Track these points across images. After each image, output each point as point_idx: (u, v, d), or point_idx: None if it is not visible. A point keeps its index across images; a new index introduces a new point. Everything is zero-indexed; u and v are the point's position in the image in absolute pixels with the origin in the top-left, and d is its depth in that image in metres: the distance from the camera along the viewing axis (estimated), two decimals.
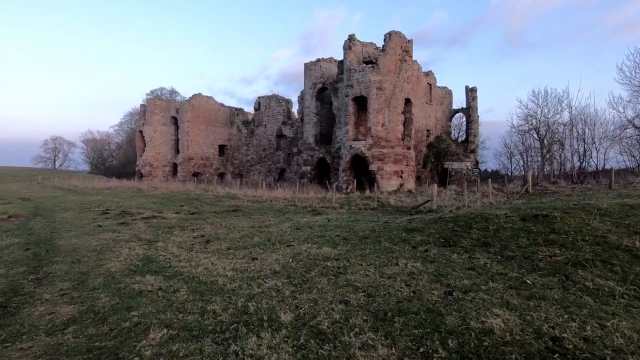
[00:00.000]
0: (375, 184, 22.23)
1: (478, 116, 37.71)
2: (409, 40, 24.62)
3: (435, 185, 13.58)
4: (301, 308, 4.53)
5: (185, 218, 13.04)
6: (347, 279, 5.45)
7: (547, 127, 39.56)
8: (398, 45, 23.83)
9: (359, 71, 24.01)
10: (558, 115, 42.54)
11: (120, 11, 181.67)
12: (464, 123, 52.07)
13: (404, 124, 24.34)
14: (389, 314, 4.18)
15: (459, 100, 51.04)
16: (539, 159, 46.06)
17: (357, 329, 3.86)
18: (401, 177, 23.72)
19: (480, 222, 7.76)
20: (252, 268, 6.46)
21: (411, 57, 24.62)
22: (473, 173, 22.38)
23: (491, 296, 4.56)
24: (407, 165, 24.21)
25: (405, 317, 4.06)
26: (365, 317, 4.14)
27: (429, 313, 4.15)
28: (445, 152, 36.04)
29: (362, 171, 25.22)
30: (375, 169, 23.31)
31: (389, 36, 23.69)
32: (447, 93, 40.91)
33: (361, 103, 25.22)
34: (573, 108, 27.29)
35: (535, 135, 45.55)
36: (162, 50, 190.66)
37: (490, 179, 17.80)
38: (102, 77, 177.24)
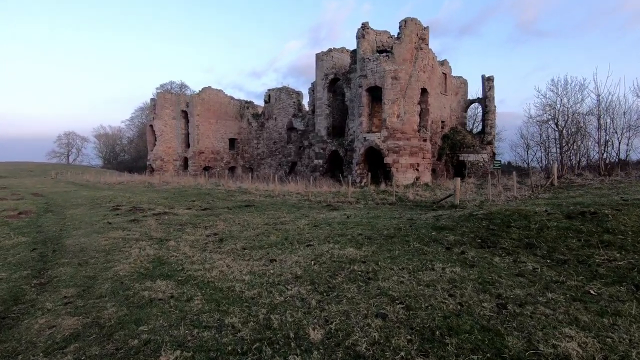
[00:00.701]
0: (393, 178, 21.52)
1: (495, 106, 36.50)
2: (425, 27, 23.62)
3: (459, 179, 12.85)
4: (332, 322, 3.96)
5: (197, 214, 12.58)
6: (380, 287, 4.85)
7: (568, 117, 38.12)
8: (414, 33, 22.87)
9: (373, 60, 23.15)
10: (579, 105, 40.99)
11: (132, 7, 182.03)
12: (479, 114, 50.71)
13: (419, 115, 23.47)
14: (437, 332, 3.57)
15: (471, 91, 49.50)
16: (558, 150, 44.73)
17: (402, 353, 3.27)
18: (417, 170, 22.94)
19: (519, 220, 7.06)
20: (271, 271, 5.91)
21: (427, 44, 23.65)
22: (494, 165, 21.51)
23: (554, 311, 3.91)
24: (423, 158, 23.39)
25: (458, 338, 3.45)
26: (409, 337, 3.54)
27: (485, 332, 3.53)
28: (460, 144, 34.99)
29: (377, 164, 24.50)
30: (390, 161, 22.56)
31: (404, 23, 22.73)
32: (462, 83, 39.69)
33: (375, 94, 24.40)
34: (601, 96, 25.81)
35: (553, 126, 44.18)
36: (173, 45, 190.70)
37: (514, 172, 16.93)
38: (114, 72, 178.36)
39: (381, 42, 26.37)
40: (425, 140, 23.77)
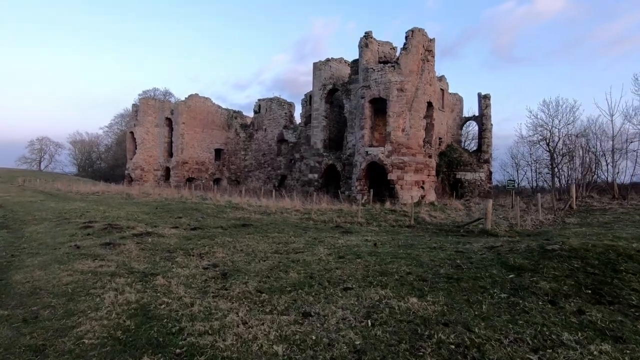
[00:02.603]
0: (398, 196, 19.94)
1: (492, 124, 35.88)
2: (431, 39, 22.60)
3: (490, 202, 11.32)
4: None
5: (186, 236, 10.51)
6: None
7: (560, 138, 38.14)
8: (420, 44, 21.78)
9: (378, 71, 21.84)
10: (570, 126, 41.30)
11: (116, 12, 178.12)
12: (470, 132, 50.48)
13: (425, 130, 22.19)
14: None
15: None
16: (549, 170, 44.68)
17: None
18: (422, 187, 21.49)
19: (624, 261, 5.45)
20: (313, 337, 4.04)
21: (434, 57, 22.60)
22: (508, 185, 20.23)
23: None
24: (428, 175, 22.01)
25: None
26: None
27: None
28: (457, 162, 34.03)
29: (378, 180, 22.95)
30: (394, 178, 21.03)
31: (411, 33, 21.62)
32: (458, 100, 39.14)
33: (377, 106, 23.06)
34: (614, 117, 25.12)
35: (544, 146, 44.15)
36: (156, 53, 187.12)
37: (539, 194, 15.63)
38: (94, 78, 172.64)
39: (383, 53, 25.23)
40: (430, 156, 22.45)
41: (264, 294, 5.54)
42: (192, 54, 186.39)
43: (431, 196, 21.94)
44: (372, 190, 21.11)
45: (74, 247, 8.62)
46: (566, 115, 40.96)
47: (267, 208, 18.83)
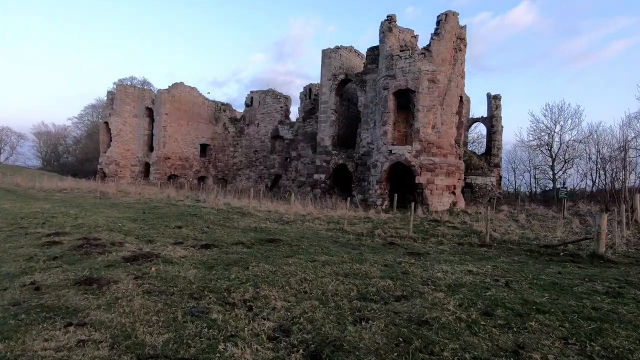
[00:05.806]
0: (428, 202, 17.19)
1: (502, 126, 33.98)
2: (462, 27, 20.07)
3: (605, 216, 8.66)
4: None
5: (203, 260, 7.21)
6: None
7: (562, 143, 37.15)
8: (454, 30, 19.21)
9: (405, 58, 19.07)
10: (574, 131, 40.62)
11: (90, 6, 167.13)
12: (470, 134, 48.95)
13: (455, 128, 19.62)
14: None
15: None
16: (551, 175, 43.68)
17: None
18: (454, 193, 18.89)
19: None
20: None
21: (466, 46, 20.06)
22: (561, 192, 17.88)
23: None
24: (459, 179, 19.45)
25: None
26: None
27: None
28: (467, 166, 31.96)
29: (398, 184, 20.19)
30: (424, 181, 18.29)
31: (444, 17, 18.99)
32: (466, 100, 37.07)
33: (399, 99, 20.32)
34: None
35: (546, 152, 43.07)
36: (129, 48, 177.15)
37: (623, 205, 13.24)
38: (64, 71, 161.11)
39: (404, 41, 22.51)
40: (460, 157, 19.89)
41: None
42: (166, 51, 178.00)
43: (462, 203, 19.38)
44: (395, 195, 18.27)
45: (31, 287, 5.20)
46: (570, 119, 40.06)
47: (280, 214, 15.66)
